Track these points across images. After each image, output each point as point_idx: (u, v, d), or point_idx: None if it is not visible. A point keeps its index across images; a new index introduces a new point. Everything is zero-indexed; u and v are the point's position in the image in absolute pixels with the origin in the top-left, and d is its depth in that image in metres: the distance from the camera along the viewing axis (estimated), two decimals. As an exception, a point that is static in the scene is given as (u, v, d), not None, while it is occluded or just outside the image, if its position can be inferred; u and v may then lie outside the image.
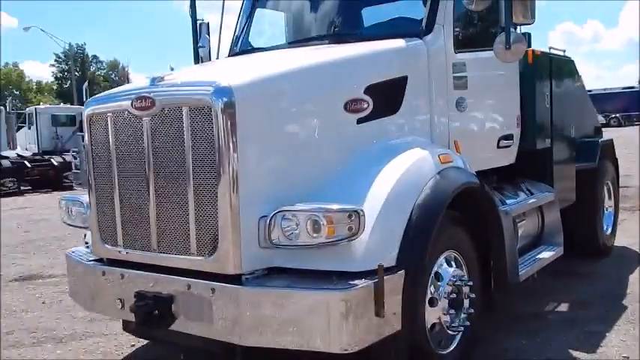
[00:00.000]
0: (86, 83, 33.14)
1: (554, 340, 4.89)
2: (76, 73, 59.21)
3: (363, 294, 3.32)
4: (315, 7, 5.56)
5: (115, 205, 4.00)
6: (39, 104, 35.09)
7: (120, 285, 3.98)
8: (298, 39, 5.62)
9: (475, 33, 5.30)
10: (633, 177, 13.57)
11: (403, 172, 3.87)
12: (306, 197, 3.56)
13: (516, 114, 5.65)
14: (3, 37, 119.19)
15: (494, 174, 5.47)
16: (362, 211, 3.37)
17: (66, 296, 5.90)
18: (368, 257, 3.44)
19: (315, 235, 3.34)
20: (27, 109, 32.33)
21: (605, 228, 7.49)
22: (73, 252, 4.64)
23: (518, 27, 5.06)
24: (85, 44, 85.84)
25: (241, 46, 5.80)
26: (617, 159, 8.00)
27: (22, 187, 21.77)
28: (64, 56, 73.95)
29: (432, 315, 3.95)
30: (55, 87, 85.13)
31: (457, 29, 4.88)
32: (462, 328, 4.14)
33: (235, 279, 3.48)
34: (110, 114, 3.95)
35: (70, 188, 18.40)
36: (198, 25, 5.75)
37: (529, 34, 6.14)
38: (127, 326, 4.45)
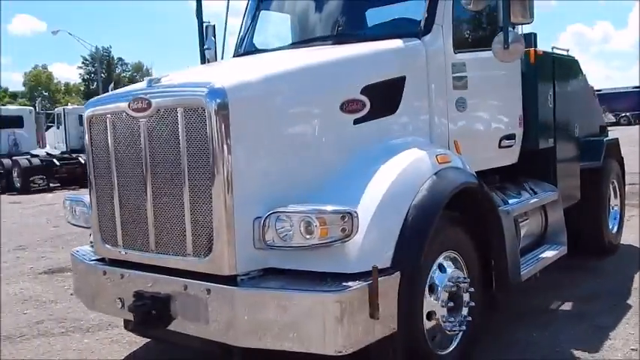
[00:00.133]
0: (112, 84, 33.48)
1: (564, 333, 4.97)
2: (103, 75, 59.79)
3: (357, 295, 3.29)
4: (318, 9, 5.55)
5: (114, 206, 4.04)
6: (67, 105, 35.77)
7: (120, 285, 4.02)
8: (301, 40, 5.61)
9: (475, 33, 5.26)
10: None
11: (400, 172, 3.85)
12: (301, 198, 3.55)
13: (518, 114, 5.61)
14: (33, 40, 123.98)
15: (496, 174, 5.45)
16: (355, 212, 3.36)
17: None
18: (362, 258, 3.42)
19: (308, 236, 3.33)
20: (56, 109, 32.87)
21: (610, 226, 7.46)
22: (77, 251, 4.70)
23: (518, 27, 5.03)
24: (110, 47, 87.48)
25: (245, 48, 5.82)
26: (622, 157, 7.93)
27: (51, 184, 22.32)
28: (91, 58, 75.28)
29: (430, 315, 3.93)
30: (82, 88, 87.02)
31: (456, 29, 4.84)
32: (462, 328, 4.12)
33: (231, 280, 3.48)
34: (109, 115, 3.99)
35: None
36: (204, 27, 5.80)
37: (535, 35, 6.11)
38: (127, 325, 4.50)
